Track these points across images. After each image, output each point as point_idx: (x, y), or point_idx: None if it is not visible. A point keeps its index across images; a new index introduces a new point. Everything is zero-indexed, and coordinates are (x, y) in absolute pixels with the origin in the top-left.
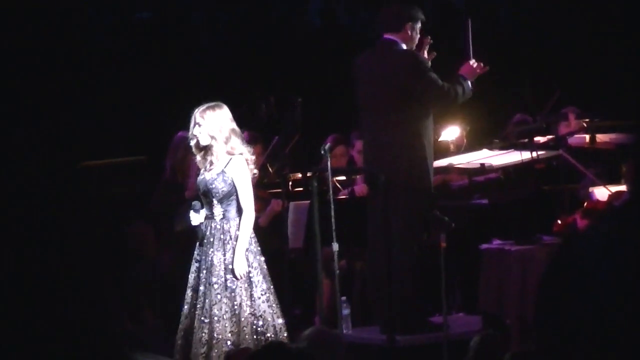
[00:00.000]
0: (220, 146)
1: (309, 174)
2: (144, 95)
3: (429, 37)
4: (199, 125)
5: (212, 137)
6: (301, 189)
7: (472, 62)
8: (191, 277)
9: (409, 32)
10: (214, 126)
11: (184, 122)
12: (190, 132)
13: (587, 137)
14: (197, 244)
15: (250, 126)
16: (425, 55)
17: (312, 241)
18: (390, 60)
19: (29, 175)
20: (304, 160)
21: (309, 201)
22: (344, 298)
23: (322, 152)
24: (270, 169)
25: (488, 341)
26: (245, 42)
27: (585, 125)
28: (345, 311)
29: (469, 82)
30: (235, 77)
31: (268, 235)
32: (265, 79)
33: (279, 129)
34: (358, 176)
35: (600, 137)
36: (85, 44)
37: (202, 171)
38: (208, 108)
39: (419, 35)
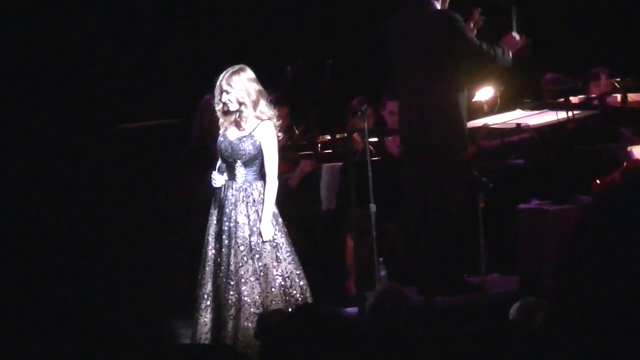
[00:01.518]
0: (250, 111)
1: (338, 136)
2: (177, 57)
3: (479, 10)
4: (227, 93)
5: (242, 103)
6: (330, 151)
7: (515, 35)
8: (210, 239)
9: None
10: (241, 91)
11: (212, 85)
12: (216, 99)
13: (619, 96)
14: (214, 206)
15: (277, 88)
16: (471, 26)
17: (347, 202)
18: (425, 21)
19: (65, 138)
20: (327, 122)
21: (340, 163)
22: (380, 259)
23: (359, 113)
24: (296, 131)
25: (528, 307)
26: (274, 3)
27: (616, 84)
28: (382, 272)
29: (510, 52)
30: (264, 39)
31: (297, 196)
32: (294, 41)
33: (306, 91)
34: (390, 137)
35: (631, 97)
36: (118, 8)
37: (222, 132)
38: (233, 73)
39: None
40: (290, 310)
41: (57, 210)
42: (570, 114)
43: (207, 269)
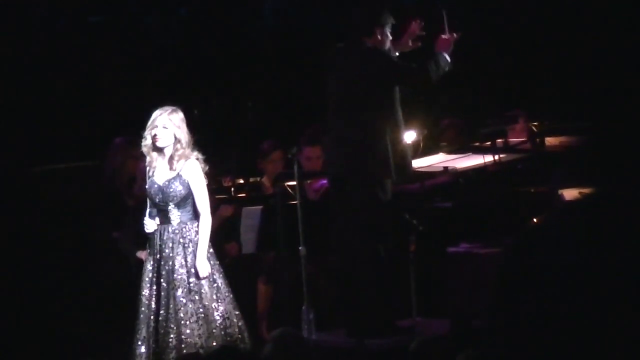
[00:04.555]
0: (183, 149)
1: (251, 179)
2: (93, 99)
3: (419, 21)
4: (165, 128)
5: (178, 140)
6: (244, 194)
7: (445, 36)
8: (144, 285)
9: (379, 37)
10: (179, 129)
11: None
12: (147, 133)
13: (537, 140)
14: (150, 252)
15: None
16: (410, 44)
17: (267, 246)
18: (357, 57)
19: None
20: (240, 165)
21: (261, 206)
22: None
23: (290, 156)
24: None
25: (427, 346)
26: (198, 44)
27: (534, 128)
28: (310, 316)
29: (446, 55)
30: (187, 80)
31: (216, 240)
32: (215, 82)
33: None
34: (308, 181)
35: (549, 140)
36: (35, 48)
37: (149, 177)
38: (173, 111)
39: (390, 38)
40: (204, 353)
41: None
42: (497, 157)
43: (142, 315)
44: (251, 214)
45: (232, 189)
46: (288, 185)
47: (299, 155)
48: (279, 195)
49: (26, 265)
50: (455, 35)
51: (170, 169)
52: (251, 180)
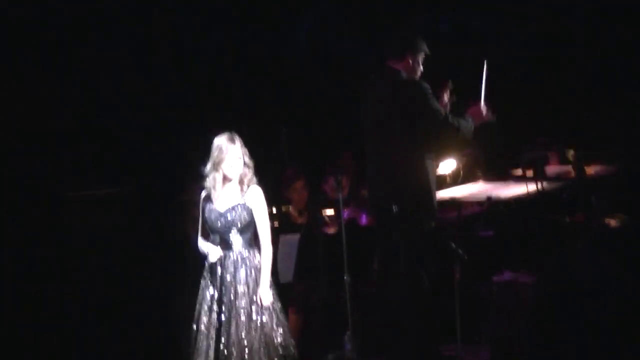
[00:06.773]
0: (252, 173)
1: (283, 209)
2: (128, 124)
3: (450, 81)
4: (240, 159)
5: (247, 165)
6: (275, 223)
7: (483, 107)
8: (204, 314)
9: (410, 62)
10: (247, 154)
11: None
12: (222, 166)
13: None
14: (210, 280)
15: None
16: (445, 99)
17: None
18: (393, 89)
19: (14, 204)
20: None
21: (298, 235)
22: (348, 333)
23: (336, 183)
24: None
25: None
26: (232, 69)
27: (570, 157)
28: (347, 346)
29: (473, 124)
30: (221, 106)
31: None
32: (248, 107)
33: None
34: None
35: (588, 169)
36: (70, 75)
37: (208, 203)
38: (236, 138)
39: (421, 67)
40: None
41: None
42: (539, 184)
43: (200, 344)
44: (288, 242)
45: None
46: (327, 215)
47: (324, 186)
48: (318, 224)
49: (70, 290)
50: (490, 114)
51: (241, 190)
52: (283, 209)
